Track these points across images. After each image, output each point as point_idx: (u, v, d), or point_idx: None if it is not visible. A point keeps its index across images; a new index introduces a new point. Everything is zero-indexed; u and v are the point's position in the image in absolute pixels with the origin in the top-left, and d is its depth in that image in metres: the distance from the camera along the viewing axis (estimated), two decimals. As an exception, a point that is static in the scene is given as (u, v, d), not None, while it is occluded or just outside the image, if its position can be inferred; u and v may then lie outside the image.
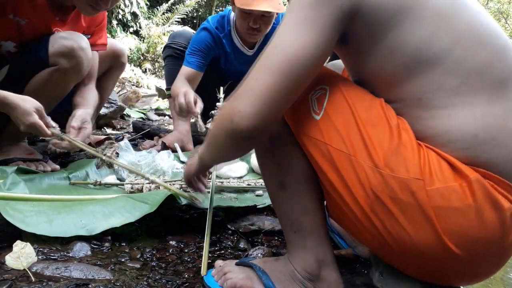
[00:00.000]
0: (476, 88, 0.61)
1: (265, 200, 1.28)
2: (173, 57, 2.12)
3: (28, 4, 1.34)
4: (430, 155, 0.62)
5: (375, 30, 0.66)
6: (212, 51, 1.99)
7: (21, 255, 0.80)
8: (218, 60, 2.08)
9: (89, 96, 1.54)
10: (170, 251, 0.97)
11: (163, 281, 0.82)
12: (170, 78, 2.14)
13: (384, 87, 0.69)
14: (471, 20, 0.64)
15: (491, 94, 0.61)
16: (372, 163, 0.62)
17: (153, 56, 7.05)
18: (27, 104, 1.19)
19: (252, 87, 0.64)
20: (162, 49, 2.17)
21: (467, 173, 0.59)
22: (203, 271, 0.86)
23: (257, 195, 1.39)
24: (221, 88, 1.53)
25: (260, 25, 1.87)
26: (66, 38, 1.37)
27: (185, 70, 1.93)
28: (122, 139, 1.97)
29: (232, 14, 1.97)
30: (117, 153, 1.61)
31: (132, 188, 1.29)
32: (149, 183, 1.30)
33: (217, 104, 1.30)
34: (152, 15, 7.20)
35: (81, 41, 1.39)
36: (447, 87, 0.62)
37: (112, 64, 1.88)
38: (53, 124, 1.26)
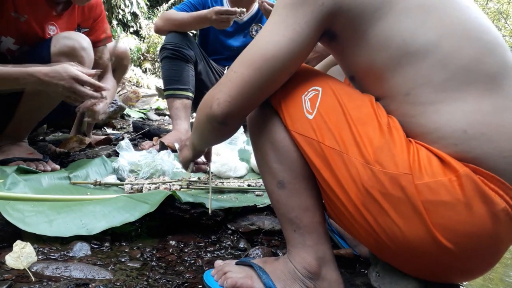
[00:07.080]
0: (464, 83, 0.62)
1: (265, 200, 1.28)
2: (170, 58, 2.14)
3: (26, 1, 1.35)
4: (420, 151, 0.63)
5: (359, 24, 0.68)
6: (200, 6, 2.25)
7: (21, 255, 0.80)
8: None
9: (107, 84, 1.65)
10: (170, 251, 0.97)
11: (163, 281, 0.82)
12: (167, 80, 2.17)
13: (374, 83, 0.70)
14: (459, 14, 0.65)
15: (479, 90, 0.62)
16: (363, 160, 0.63)
17: (153, 56, 7.06)
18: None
19: (231, 78, 0.72)
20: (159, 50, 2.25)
21: (456, 167, 0.60)
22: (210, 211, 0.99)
23: (257, 195, 1.39)
24: (226, 68, 1.58)
25: None
26: (68, 38, 1.38)
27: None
28: (122, 139, 1.98)
29: None
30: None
31: (132, 188, 1.29)
32: (149, 183, 1.31)
33: None
34: (152, 15, 7.21)
35: (83, 41, 1.40)
36: (434, 82, 0.63)
37: (115, 67, 1.89)
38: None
